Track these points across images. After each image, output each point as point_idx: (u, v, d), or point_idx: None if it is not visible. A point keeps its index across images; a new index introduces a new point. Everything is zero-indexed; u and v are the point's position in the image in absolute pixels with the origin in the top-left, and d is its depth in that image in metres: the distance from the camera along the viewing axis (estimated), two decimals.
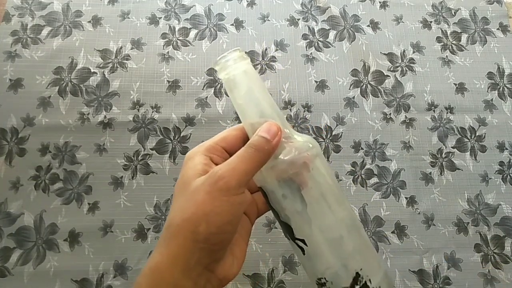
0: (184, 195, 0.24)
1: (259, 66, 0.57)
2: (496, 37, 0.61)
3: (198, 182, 0.24)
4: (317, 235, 0.26)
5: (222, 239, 0.24)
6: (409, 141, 0.54)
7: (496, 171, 0.54)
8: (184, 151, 0.52)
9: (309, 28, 0.60)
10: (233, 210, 0.24)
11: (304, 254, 0.27)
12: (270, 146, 0.25)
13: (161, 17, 0.58)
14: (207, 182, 0.24)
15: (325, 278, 0.26)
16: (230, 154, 0.26)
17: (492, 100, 0.57)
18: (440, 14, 0.63)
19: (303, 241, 0.27)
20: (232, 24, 0.59)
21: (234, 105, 0.28)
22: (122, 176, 0.50)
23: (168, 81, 0.55)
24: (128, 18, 0.58)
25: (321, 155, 0.28)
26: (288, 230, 0.27)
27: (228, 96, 0.28)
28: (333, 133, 0.54)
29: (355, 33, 0.60)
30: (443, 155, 0.54)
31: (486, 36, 0.61)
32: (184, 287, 0.23)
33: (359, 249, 0.27)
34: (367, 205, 0.51)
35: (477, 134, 0.55)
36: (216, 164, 0.26)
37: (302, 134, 0.29)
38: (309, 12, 0.61)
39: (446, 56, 0.60)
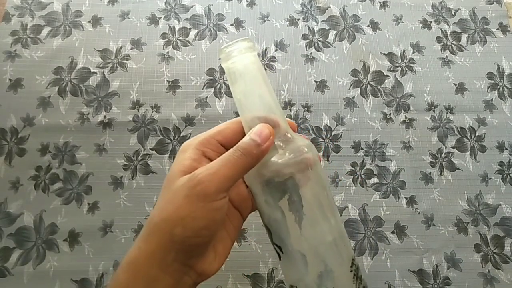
0: (166, 194, 0.24)
1: None
2: (496, 37, 0.61)
3: (179, 182, 0.24)
4: (293, 247, 0.25)
5: (198, 242, 0.23)
6: (409, 141, 0.54)
7: (496, 171, 0.54)
8: None
9: (309, 28, 0.60)
10: (210, 216, 0.23)
11: (280, 259, 0.27)
12: (259, 150, 0.24)
13: (161, 17, 0.58)
14: (186, 185, 0.23)
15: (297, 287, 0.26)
16: (227, 148, 0.25)
17: (492, 100, 0.57)
18: (440, 14, 0.63)
19: (279, 247, 0.26)
20: (232, 24, 0.59)
21: (234, 98, 0.27)
22: (122, 176, 0.50)
23: (168, 81, 0.55)
24: (128, 18, 0.58)
25: (317, 164, 0.26)
26: (268, 233, 0.27)
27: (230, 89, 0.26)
28: (333, 133, 0.54)
29: (355, 33, 0.60)
30: (443, 155, 0.54)
31: (486, 36, 0.61)
32: (161, 281, 0.23)
33: (337, 268, 0.26)
34: (367, 205, 0.51)
35: (477, 134, 0.55)
36: (210, 159, 0.25)
37: (301, 137, 0.27)
38: (309, 12, 0.61)
39: (446, 56, 0.60)
